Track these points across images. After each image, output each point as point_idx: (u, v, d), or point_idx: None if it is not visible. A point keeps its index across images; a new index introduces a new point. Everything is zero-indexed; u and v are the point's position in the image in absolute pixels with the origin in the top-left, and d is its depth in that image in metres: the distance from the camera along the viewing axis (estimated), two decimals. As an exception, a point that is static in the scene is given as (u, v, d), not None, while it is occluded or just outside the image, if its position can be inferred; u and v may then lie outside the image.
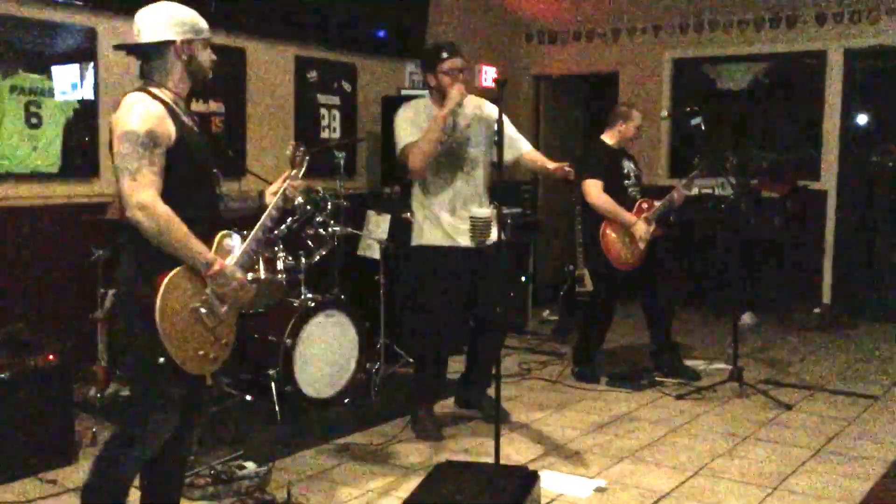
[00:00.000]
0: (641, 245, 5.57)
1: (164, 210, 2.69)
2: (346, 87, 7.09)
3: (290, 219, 5.09)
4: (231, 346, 2.96)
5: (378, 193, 6.77)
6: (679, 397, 5.37)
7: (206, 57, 2.93)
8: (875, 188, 7.96)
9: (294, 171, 3.17)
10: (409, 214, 4.83)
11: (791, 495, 3.90)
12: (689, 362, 6.00)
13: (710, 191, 7.76)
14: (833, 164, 7.91)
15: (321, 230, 5.15)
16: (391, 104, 7.11)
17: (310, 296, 5.06)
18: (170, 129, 2.75)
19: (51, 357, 4.05)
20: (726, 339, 5.95)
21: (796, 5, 7.92)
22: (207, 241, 2.83)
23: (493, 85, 8.24)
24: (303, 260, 5.07)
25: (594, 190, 5.54)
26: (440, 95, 4.50)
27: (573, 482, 3.99)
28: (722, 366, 5.93)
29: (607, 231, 5.56)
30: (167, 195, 2.72)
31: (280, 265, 4.89)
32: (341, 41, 6.96)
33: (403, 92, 7.27)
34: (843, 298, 7.92)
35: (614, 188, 5.59)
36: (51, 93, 5.14)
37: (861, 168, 7.98)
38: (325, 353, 5.04)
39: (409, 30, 7.54)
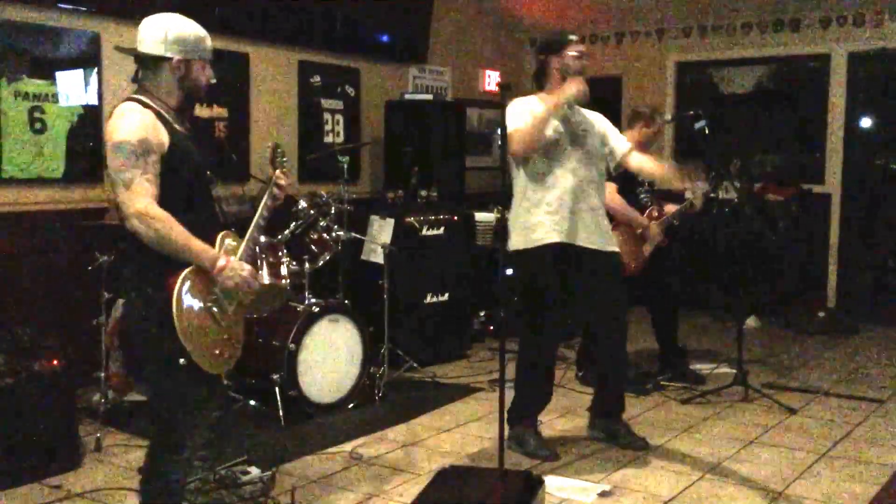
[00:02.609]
0: (647, 250, 5.56)
1: (161, 216, 2.70)
2: (350, 91, 7.10)
3: (294, 223, 5.10)
4: (241, 344, 2.99)
5: (382, 198, 6.77)
6: (684, 402, 5.36)
7: (203, 76, 2.94)
8: (879, 191, 7.95)
9: (277, 172, 3.17)
10: (510, 214, 4.44)
11: (796, 500, 3.89)
12: (693, 366, 5.99)
13: (714, 194, 7.75)
14: (837, 167, 7.90)
15: (325, 235, 5.16)
16: (395, 108, 7.13)
17: (314, 300, 5.06)
18: (162, 136, 2.77)
19: (55, 362, 4.05)
20: (731, 343, 5.93)
21: (800, 9, 7.91)
22: (209, 242, 2.85)
23: (496, 89, 8.24)
24: (307, 265, 5.08)
25: (611, 192, 5.50)
26: (559, 80, 4.30)
27: (577, 487, 3.98)
28: (726, 370, 5.91)
29: (615, 235, 5.55)
30: (165, 201, 2.74)
31: (284, 270, 4.88)
32: (345, 46, 6.97)
33: (407, 96, 7.28)
34: (847, 302, 7.90)
35: (626, 194, 5.56)
36: (55, 98, 5.15)
37: (865, 171, 7.97)
38: (329, 357, 5.04)
39: (412, 34, 7.55)
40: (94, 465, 4.15)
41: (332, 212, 5.23)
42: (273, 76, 6.47)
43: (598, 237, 4.37)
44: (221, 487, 3.71)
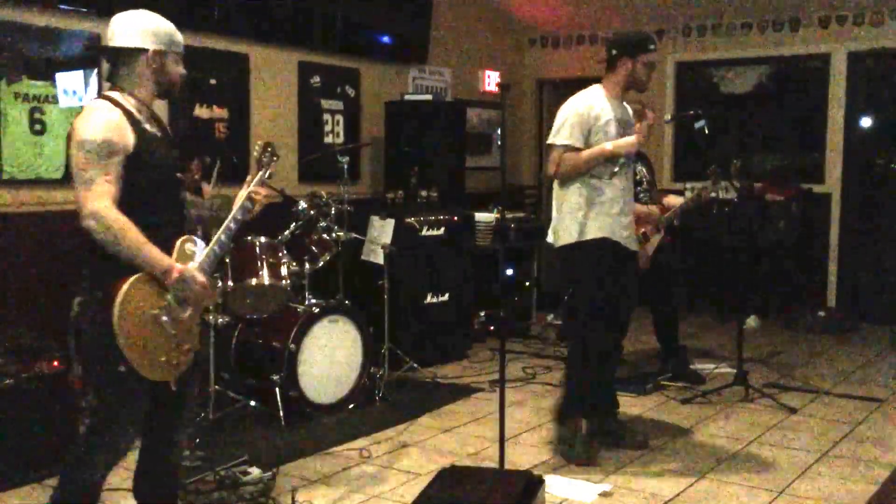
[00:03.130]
0: (651, 248, 5.56)
1: (117, 218, 2.67)
2: (350, 92, 7.10)
3: (294, 224, 5.10)
4: (194, 350, 2.92)
5: (382, 198, 6.78)
6: (684, 401, 5.36)
7: (176, 71, 2.93)
8: (879, 191, 7.95)
9: (259, 174, 3.11)
10: (560, 208, 4.38)
11: (796, 499, 3.89)
12: (694, 366, 5.99)
13: (714, 194, 7.74)
14: (837, 167, 7.90)
15: (325, 235, 5.16)
16: (395, 109, 7.13)
17: (314, 301, 5.07)
18: (127, 137, 2.74)
19: (55, 363, 4.06)
20: (731, 343, 5.93)
21: (799, 8, 7.91)
22: (171, 246, 2.82)
23: (496, 89, 8.25)
24: (307, 265, 5.08)
25: None
26: (626, 83, 4.31)
27: (578, 486, 3.98)
28: (727, 369, 5.91)
29: None
30: (126, 203, 2.72)
31: (284, 271, 4.89)
32: (345, 46, 6.96)
33: (407, 97, 7.28)
34: (848, 301, 7.90)
35: None
36: (55, 99, 5.14)
37: (865, 171, 7.97)
38: (330, 358, 5.04)
39: (412, 35, 7.55)
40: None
41: (333, 212, 5.23)
42: (273, 77, 6.47)
43: (632, 238, 4.46)
44: (222, 488, 3.72)
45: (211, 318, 4.71)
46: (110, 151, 2.70)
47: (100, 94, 2.85)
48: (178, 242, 2.85)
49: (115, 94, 2.84)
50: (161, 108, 5.64)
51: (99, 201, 2.67)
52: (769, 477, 4.15)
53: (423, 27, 7.63)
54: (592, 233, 4.26)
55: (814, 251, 7.96)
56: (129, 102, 2.84)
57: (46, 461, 3.96)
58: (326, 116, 6.91)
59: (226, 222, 2.98)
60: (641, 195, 5.69)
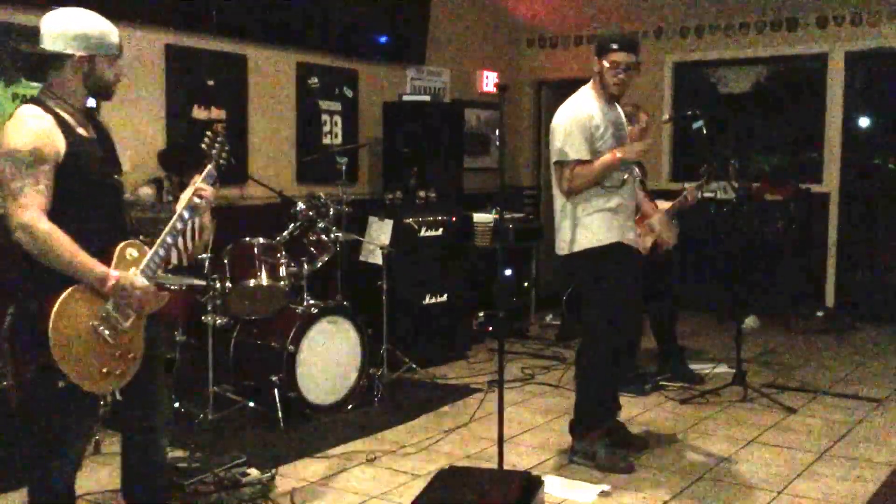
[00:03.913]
0: (647, 243, 5.56)
1: (46, 228, 2.59)
2: (348, 92, 7.10)
3: (292, 225, 5.10)
4: (139, 359, 2.81)
5: (380, 199, 6.78)
6: (683, 401, 5.36)
7: (109, 73, 2.80)
8: (877, 190, 7.95)
9: (208, 168, 2.98)
10: (566, 214, 4.31)
11: (795, 499, 3.89)
12: (692, 366, 5.99)
13: (712, 194, 7.75)
14: (835, 166, 7.91)
15: (323, 236, 5.15)
16: (393, 110, 7.13)
17: (312, 302, 5.06)
18: (58, 144, 2.65)
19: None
20: (730, 343, 5.93)
21: (797, 8, 7.92)
22: (110, 253, 2.73)
23: (494, 90, 8.25)
24: (305, 266, 5.07)
25: None
26: (601, 83, 4.26)
27: (577, 487, 3.98)
28: (725, 369, 5.91)
29: None
30: (59, 211, 2.64)
31: (282, 271, 4.89)
32: (343, 47, 6.96)
33: (405, 97, 7.27)
34: (846, 301, 7.90)
35: None
36: (53, 101, 5.13)
37: (863, 170, 7.98)
38: (328, 359, 5.04)
39: (410, 36, 7.55)
40: (94, 468, 4.14)
41: (331, 213, 5.23)
42: (271, 78, 6.47)
43: (639, 241, 4.47)
44: (221, 489, 3.71)
45: (209, 319, 4.71)
46: (40, 160, 2.61)
47: (31, 99, 2.75)
48: (119, 248, 2.76)
49: (47, 98, 2.74)
50: (159, 109, 5.66)
51: (27, 212, 2.58)
52: (768, 477, 4.15)
53: (422, 28, 7.63)
54: (609, 238, 4.21)
55: (812, 251, 7.97)
56: (61, 107, 2.73)
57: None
58: (325, 117, 6.90)
59: (171, 222, 2.85)
60: None
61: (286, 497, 3.79)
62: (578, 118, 4.21)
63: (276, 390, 4.81)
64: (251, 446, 4.39)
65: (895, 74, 7.77)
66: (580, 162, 4.18)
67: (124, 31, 5.34)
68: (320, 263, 5.17)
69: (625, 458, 4.25)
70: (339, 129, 7.02)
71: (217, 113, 6.04)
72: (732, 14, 8.18)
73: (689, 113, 5.68)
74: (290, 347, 4.81)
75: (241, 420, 4.83)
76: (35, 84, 5.04)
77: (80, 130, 2.76)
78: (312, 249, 5.15)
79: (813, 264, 7.98)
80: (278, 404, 4.79)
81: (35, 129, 2.64)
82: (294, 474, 4.13)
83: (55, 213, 2.64)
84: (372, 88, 7.30)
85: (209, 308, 4.72)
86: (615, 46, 4.20)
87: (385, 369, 5.50)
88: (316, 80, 6.80)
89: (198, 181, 2.95)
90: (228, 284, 4.76)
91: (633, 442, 4.52)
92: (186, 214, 2.89)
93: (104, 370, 2.71)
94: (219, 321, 4.75)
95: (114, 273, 2.69)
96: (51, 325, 2.59)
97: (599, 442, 4.26)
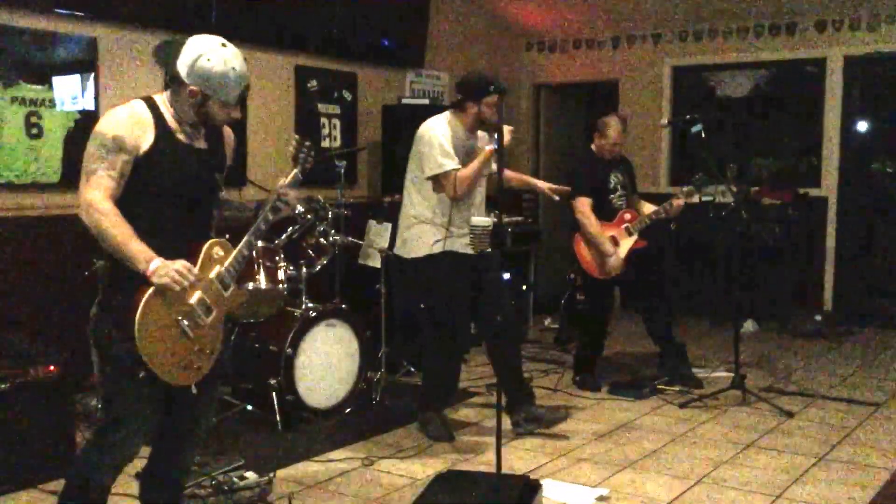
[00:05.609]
0: (614, 263, 5.59)
1: (107, 210, 2.67)
2: (347, 96, 7.10)
3: (291, 228, 5.10)
4: (216, 354, 2.92)
5: (379, 202, 6.77)
6: (681, 406, 5.36)
7: (219, 114, 2.86)
8: (876, 195, 7.96)
9: (294, 172, 3.14)
10: (407, 224, 4.73)
11: (793, 503, 3.90)
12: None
13: (710, 198, 7.75)
14: (833, 170, 7.91)
15: (322, 239, 5.16)
16: (392, 113, 7.13)
17: (311, 305, 5.06)
18: (143, 138, 2.73)
19: (51, 368, 4.04)
20: (728, 347, 5.93)
21: (796, 13, 7.93)
22: (196, 251, 2.83)
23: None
24: (304, 269, 5.08)
25: (583, 208, 5.63)
26: (475, 121, 4.70)
27: (575, 491, 3.98)
28: (724, 373, 5.91)
29: (581, 241, 5.65)
30: (132, 202, 2.73)
31: (281, 275, 4.89)
32: (342, 50, 6.96)
33: (404, 101, 7.28)
34: (844, 306, 7.91)
35: (598, 202, 5.67)
36: (51, 103, 5.14)
37: (862, 175, 7.98)
38: (327, 362, 5.03)
39: (409, 39, 7.55)
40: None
41: (330, 216, 5.23)
42: (270, 81, 6.47)
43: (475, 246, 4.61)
44: (219, 493, 3.71)
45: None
46: (119, 148, 2.70)
47: (145, 96, 2.85)
48: (206, 246, 2.86)
49: (158, 98, 2.84)
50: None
51: (94, 192, 2.68)
52: (766, 481, 4.15)
53: (421, 31, 7.64)
54: (437, 247, 4.64)
55: (810, 255, 7.98)
56: (170, 111, 2.82)
57: (42, 466, 3.95)
58: (323, 120, 6.91)
59: (256, 223, 2.98)
60: (615, 202, 5.77)
61: (284, 500, 3.78)
62: (444, 134, 4.69)
63: (274, 393, 4.81)
64: (249, 449, 4.39)
65: (894, 78, 7.78)
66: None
67: (122, 35, 5.37)
68: (319, 266, 5.17)
69: (449, 433, 4.70)
70: (337, 133, 7.02)
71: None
72: (731, 18, 8.19)
73: (688, 117, 5.70)
74: (289, 350, 4.80)
75: (240, 423, 4.83)
76: (36, 87, 5.09)
77: (180, 136, 2.83)
78: (311, 252, 5.15)
79: (811, 269, 7.99)
80: (276, 407, 4.79)
81: (124, 117, 2.73)
82: (292, 477, 4.12)
83: (127, 204, 2.72)
84: (371, 92, 7.31)
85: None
86: (492, 89, 4.62)
87: (383, 372, 5.50)
88: (315, 83, 6.81)
89: (283, 184, 3.06)
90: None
91: (551, 418, 4.82)
92: (271, 216, 3.01)
93: (183, 364, 2.80)
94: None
95: (157, 258, 2.70)
96: (138, 318, 2.66)
97: (434, 417, 4.74)
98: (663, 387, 5.69)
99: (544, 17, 8.81)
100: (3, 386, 3.89)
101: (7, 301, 4.96)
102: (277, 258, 4.90)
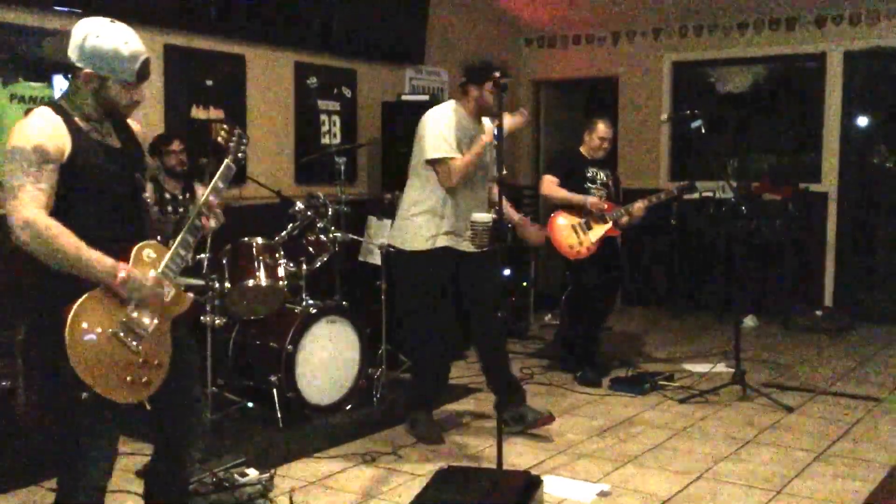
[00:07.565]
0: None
1: (48, 224, 2.49)
2: (347, 92, 7.10)
3: (291, 225, 5.10)
4: (166, 366, 2.71)
5: (379, 199, 6.77)
6: (681, 401, 5.36)
7: (121, 96, 2.68)
8: (876, 190, 7.96)
9: (226, 162, 2.87)
10: (405, 213, 4.67)
11: (794, 498, 3.89)
12: (691, 366, 6.01)
13: (711, 194, 7.76)
14: (834, 166, 7.91)
15: (322, 236, 5.16)
16: (391, 109, 7.13)
17: (311, 302, 5.06)
18: (63, 144, 2.57)
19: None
20: (728, 343, 5.94)
21: (795, 8, 7.92)
22: (126, 255, 2.64)
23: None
24: (304, 266, 5.08)
25: (546, 183, 5.79)
26: (477, 107, 4.57)
27: (576, 487, 3.98)
28: (724, 369, 5.92)
29: (556, 218, 5.80)
30: (63, 210, 2.56)
31: (281, 271, 4.89)
32: (341, 47, 6.96)
33: (403, 97, 7.27)
34: (844, 301, 7.91)
35: (574, 189, 5.79)
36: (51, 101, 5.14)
37: (862, 170, 7.98)
38: (327, 359, 5.04)
39: (408, 35, 7.54)
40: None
41: (330, 213, 5.23)
42: (269, 78, 6.47)
43: (476, 243, 4.65)
44: (220, 489, 3.71)
45: (207, 319, 4.71)
46: (44, 159, 2.52)
47: (47, 101, 2.68)
48: (135, 250, 2.67)
49: (63, 102, 2.67)
50: (158, 109, 5.66)
51: (28, 209, 2.48)
52: (767, 476, 4.15)
53: (420, 27, 7.63)
54: (428, 244, 4.58)
55: (811, 250, 7.98)
56: (76, 112, 2.66)
57: (43, 463, 3.95)
58: (323, 117, 6.90)
59: (190, 219, 2.78)
60: (594, 192, 5.88)
61: (285, 497, 3.78)
62: (446, 122, 4.54)
63: (275, 390, 4.82)
64: (250, 446, 4.39)
65: (893, 73, 7.77)
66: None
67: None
68: (319, 263, 5.17)
69: (437, 433, 4.65)
70: (337, 129, 7.02)
71: (216, 113, 6.04)
72: (731, 14, 8.18)
73: (688, 112, 5.70)
74: (289, 347, 4.81)
75: (240, 420, 4.83)
76: (35, 84, 5.09)
77: (94, 135, 2.68)
78: (311, 249, 5.15)
79: (812, 264, 7.99)
80: (277, 404, 4.79)
81: (40, 126, 2.56)
82: (293, 474, 4.13)
83: (60, 213, 2.54)
84: (371, 88, 7.30)
85: (208, 308, 4.71)
86: (496, 73, 4.42)
87: (384, 369, 5.50)
88: (315, 79, 6.80)
89: (216, 178, 2.85)
90: (227, 285, 4.76)
91: (540, 417, 4.71)
92: (191, 239, 2.78)
93: (128, 378, 2.59)
94: (217, 321, 4.75)
95: (123, 266, 2.58)
96: (67, 335, 2.48)
97: (422, 415, 4.71)
98: (664, 382, 5.70)
99: (544, 12, 8.79)
100: (3, 383, 3.89)
101: (8, 298, 4.96)
102: (277, 255, 4.90)
